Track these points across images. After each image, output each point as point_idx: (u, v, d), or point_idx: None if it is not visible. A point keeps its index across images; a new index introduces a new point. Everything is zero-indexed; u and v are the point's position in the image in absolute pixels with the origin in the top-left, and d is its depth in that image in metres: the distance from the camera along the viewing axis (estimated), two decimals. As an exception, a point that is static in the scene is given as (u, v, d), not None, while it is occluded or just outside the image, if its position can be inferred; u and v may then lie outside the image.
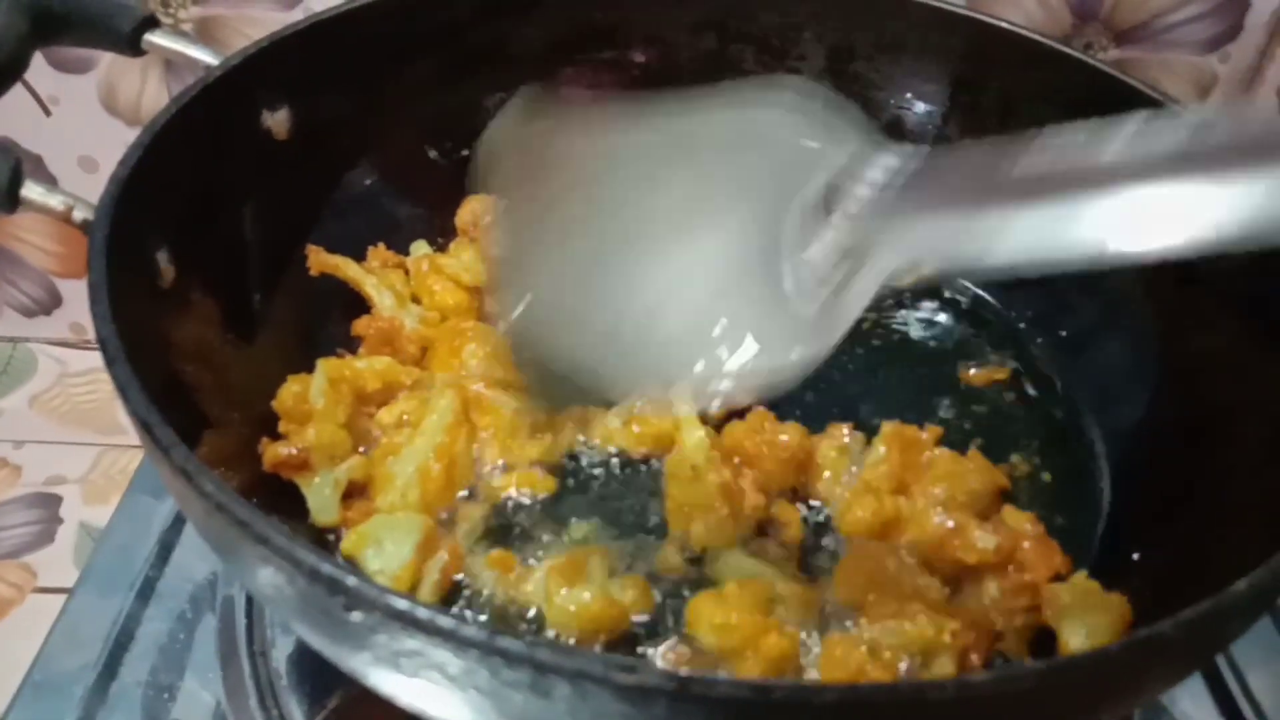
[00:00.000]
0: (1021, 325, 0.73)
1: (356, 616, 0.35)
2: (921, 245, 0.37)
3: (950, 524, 0.53)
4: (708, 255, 0.41)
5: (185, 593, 0.66)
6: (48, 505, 0.99)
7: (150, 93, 0.93)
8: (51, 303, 1.08)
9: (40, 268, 1.05)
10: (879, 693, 0.36)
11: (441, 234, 0.73)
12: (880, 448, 0.58)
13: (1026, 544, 0.53)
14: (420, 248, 0.72)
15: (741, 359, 0.39)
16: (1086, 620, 0.50)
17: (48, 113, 0.94)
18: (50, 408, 1.08)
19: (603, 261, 0.42)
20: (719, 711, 0.33)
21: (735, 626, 0.49)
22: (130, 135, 0.53)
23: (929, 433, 0.61)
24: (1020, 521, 0.55)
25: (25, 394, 1.09)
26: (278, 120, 0.64)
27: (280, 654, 0.61)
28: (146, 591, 0.66)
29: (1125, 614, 0.50)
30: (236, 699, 0.60)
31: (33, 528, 0.97)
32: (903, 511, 0.56)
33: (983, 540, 0.52)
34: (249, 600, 0.64)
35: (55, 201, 0.51)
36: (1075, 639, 0.50)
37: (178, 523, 0.70)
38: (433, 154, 0.76)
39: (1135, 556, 0.57)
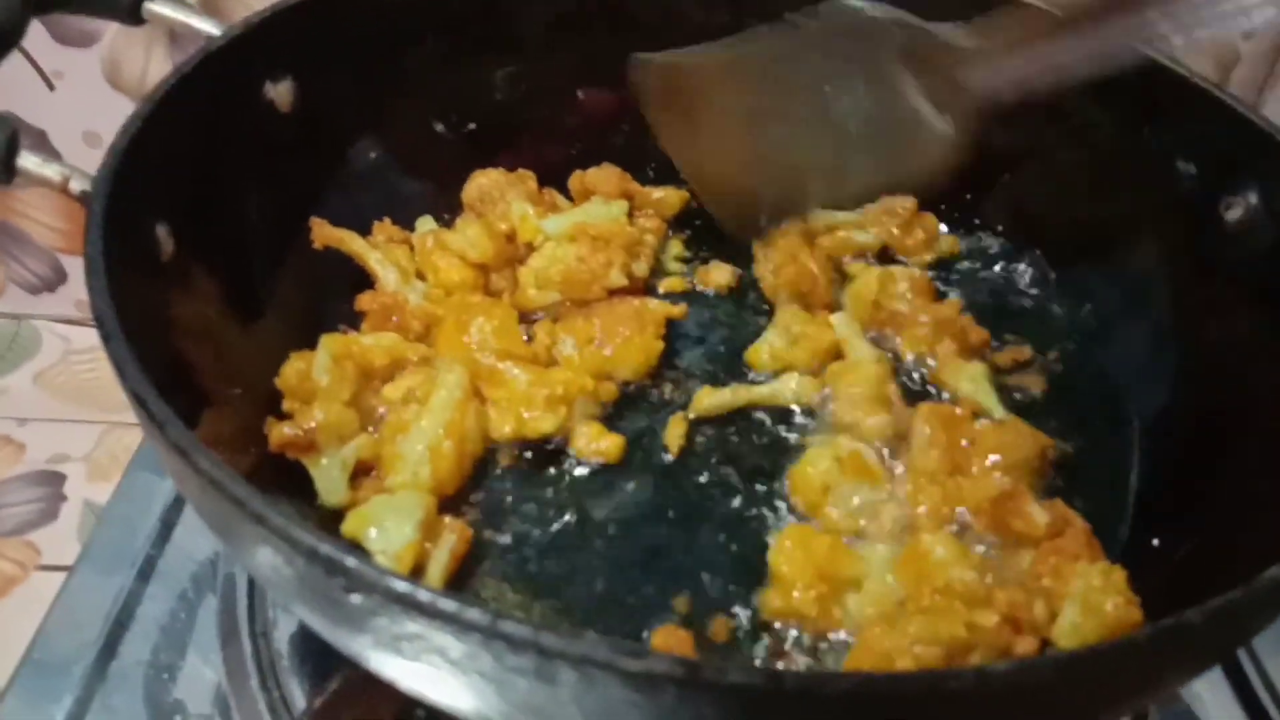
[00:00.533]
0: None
1: (356, 599, 0.34)
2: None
3: (1008, 484, 0.54)
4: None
5: (187, 572, 0.66)
6: (51, 483, 0.99)
7: (155, 67, 0.92)
8: (56, 279, 1.08)
9: (45, 244, 1.04)
10: (893, 682, 0.35)
11: (447, 210, 0.72)
12: (924, 428, 0.57)
13: (1071, 531, 0.53)
14: (426, 223, 0.71)
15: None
16: (1090, 601, 0.49)
17: (51, 87, 0.93)
18: (55, 385, 1.08)
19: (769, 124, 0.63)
20: (729, 699, 0.32)
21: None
22: (134, 110, 0.52)
23: (963, 407, 0.60)
24: (1069, 512, 0.54)
25: (29, 371, 1.08)
26: (281, 92, 0.63)
27: (282, 635, 0.61)
28: (147, 570, 0.65)
29: (1132, 615, 0.49)
30: (237, 680, 0.59)
31: (36, 505, 0.97)
32: (963, 488, 0.55)
33: (1038, 514, 0.53)
34: (250, 580, 0.63)
35: (52, 172, 0.50)
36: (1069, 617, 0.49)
37: (179, 501, 0.69)
38: (439, 128, 0.74)
39: (1155, 543, 0.56)
